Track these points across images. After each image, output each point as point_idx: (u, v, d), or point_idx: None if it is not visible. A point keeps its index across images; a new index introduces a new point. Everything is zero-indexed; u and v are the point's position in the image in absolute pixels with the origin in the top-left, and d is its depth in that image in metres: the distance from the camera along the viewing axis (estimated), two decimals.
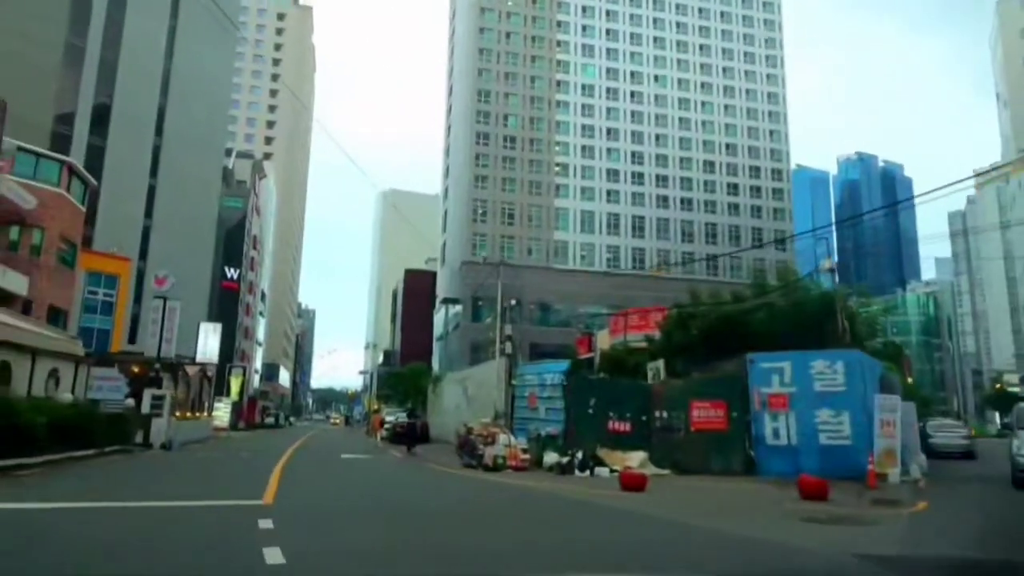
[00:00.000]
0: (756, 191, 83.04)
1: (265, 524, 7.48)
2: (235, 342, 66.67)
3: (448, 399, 35.57)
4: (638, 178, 79.48)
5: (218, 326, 46.47)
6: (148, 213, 54.61)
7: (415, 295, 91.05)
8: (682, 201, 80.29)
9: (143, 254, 51.52)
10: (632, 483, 12.63)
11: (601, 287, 66.66)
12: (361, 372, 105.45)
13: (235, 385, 48.40)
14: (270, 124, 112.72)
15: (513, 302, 24.54)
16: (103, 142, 50.89)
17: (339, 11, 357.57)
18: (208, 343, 43.48)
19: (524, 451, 17.31)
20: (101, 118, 51.27)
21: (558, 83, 79.57)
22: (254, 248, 78.63)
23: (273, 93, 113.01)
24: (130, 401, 20.94)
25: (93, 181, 32.99)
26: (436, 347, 79.05)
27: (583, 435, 17.23)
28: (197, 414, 29.48)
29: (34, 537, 6.85)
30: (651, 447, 16.63)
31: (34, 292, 27.54)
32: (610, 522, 9.45)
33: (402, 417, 36.13)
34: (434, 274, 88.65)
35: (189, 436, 26.19)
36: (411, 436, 27.01)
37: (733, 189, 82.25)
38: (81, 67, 49.81)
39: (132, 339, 43.22)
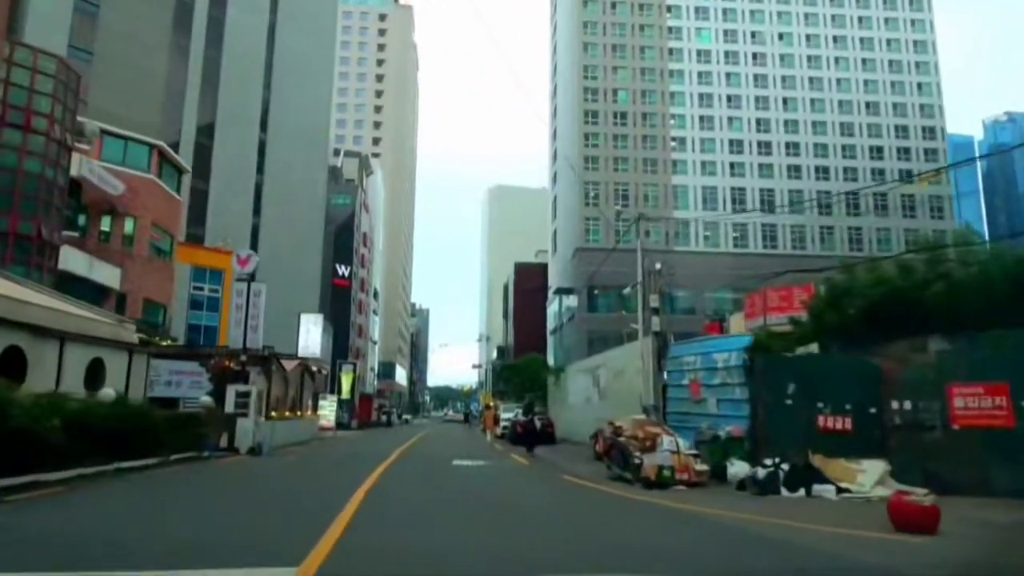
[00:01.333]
0: (904, 153, 73.24)
1: None
2: (348, 339, 65.61)
3: (574, 393, 31.27)
4: (765, 147, 72.14)
5: (319, 317, 44.49)
6: (256, 211, 54.15)
7: (526, 289, 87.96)
8: (817, 170, 72.19)
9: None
10: (912, 519, 7.55)
11: (728, 269, 60.12)
12: (475, 366, 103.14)
13: (346, 383, 46.48)
14: (377, 124, 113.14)
15: (657, 266, 19.69)
16: (210, 141, 50.68)
17: (438, 4, 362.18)
18: (310, 336, 41.41)
19: (695, 457, 12.61)
20: (208, 116, 51.13)
21: (670, 51, 73.65)
22: (364, 245, 77.74)
23: (379, 93, 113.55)
24: (207, 399, 18.08)
25: (185, 166, 31.30)
26: (550, 341, 75.42)
27: (779, 435, 12.30)
28: (298, 413, 26.78)
29: None
30: (887, 452, 11.49)
31: (127, 285, 25.80)
32: None
33: (519, 413, 32.56)
34: (545, 267, 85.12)
35: (287, 438, 23.39)
36: (531, 435, 24.09)
37: (877, 153, 72.98)
38: (186, 66, 49.74)
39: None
